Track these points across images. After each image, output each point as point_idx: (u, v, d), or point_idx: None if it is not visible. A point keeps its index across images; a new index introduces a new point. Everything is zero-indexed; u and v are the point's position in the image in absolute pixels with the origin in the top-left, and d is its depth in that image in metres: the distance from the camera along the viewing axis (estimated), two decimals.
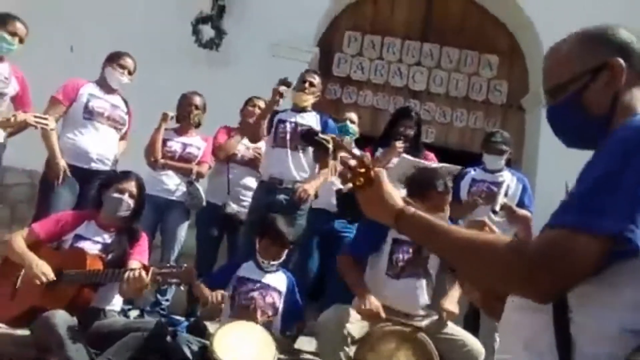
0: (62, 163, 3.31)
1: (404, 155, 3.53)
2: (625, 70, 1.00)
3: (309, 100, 3.59)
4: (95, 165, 3.42)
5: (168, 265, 2.48)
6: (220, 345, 2.42)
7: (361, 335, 2.57)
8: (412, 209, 1.08)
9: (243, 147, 3.85)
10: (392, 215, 1.09)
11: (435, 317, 2.72)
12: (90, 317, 2.64)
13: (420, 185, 2.71)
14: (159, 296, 3.54)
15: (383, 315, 2.54)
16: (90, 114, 3.45)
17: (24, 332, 2.59)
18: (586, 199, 0.88)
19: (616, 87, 1.01)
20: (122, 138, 3.71)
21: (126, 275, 2.42)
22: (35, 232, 2.72)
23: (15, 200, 4.82)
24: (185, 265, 2.48)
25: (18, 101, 3.36)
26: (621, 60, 1.01)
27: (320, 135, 1.49)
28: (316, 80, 3.66)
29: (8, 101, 3.31)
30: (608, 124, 1.00)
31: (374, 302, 2.55)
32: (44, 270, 2.53)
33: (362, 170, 1.15)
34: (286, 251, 2.97)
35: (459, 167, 3.53)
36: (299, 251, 3.51)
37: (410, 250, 2.76)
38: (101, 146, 3.45)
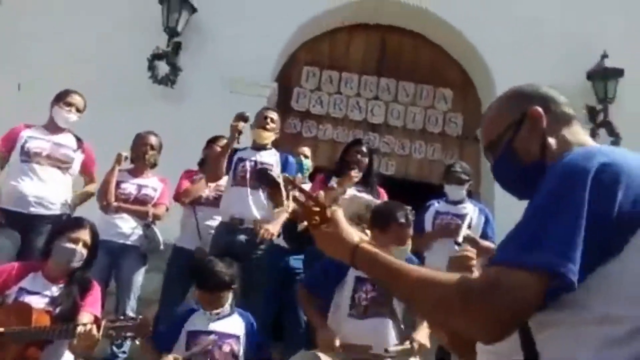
0: None
1: (356, 193, 3.50)
2: (544, 117, 1.09)
3: (270, 137, 3.54)
4: (34, 210, 3.23)
5: (122, 317, 2.31)
6: None
7: None
8: (367, 245, 1.10)
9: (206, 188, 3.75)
10: (349, 251, 1.10)
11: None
12: None
13: (381, 218, 2.71)
14: (114, 348, 3.32)
15: (337, 344, 2.48)
16: (27, 156, 3.30)
17: None
18: (523, 234, 0.91)
19: (539, 133, 1.09)
20: (90, 180, 3.56)
21: (76, 330, 2.24)
22: None
23: None
24: (140, 317, 2.32)
25: None
26: (539, 108, 1.09)
27: (271, 173, 1.45)
28: (275, 116, 3.62)
29: None
30: (544, 168, 1.03)
31: (330, 334, 2.50)
32: None
33: (317, 209, 1.15)
34: (230, 294, 2.77)
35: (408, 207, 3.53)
36: (260, 290, 3.39)
37: (374, 288, 2.70)
38: (41, 188, 3.28)
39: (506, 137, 1.12)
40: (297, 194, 1.24)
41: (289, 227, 3.38)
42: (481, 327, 0.90)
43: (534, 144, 1.09)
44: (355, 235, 1.12)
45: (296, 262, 3.69)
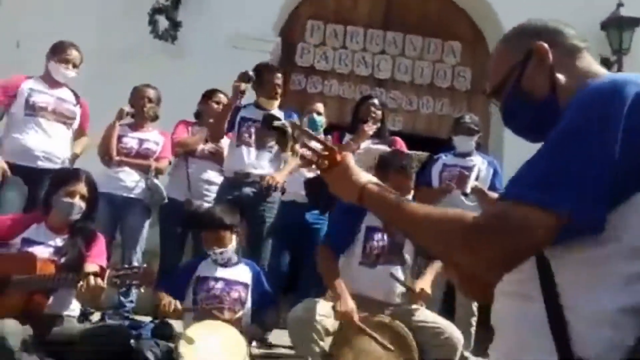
0: (2, 164, 3.08)
1: (371, 146, 3.44)
2: (550, 52, 1.04)
3: (277, 103, 3.48)
4: (42, 164, 3.19)
5: (126, 266, 2.30)
6: (187, 347, 2.26)
7: (335, 328, 2.47)
8: (375, 185, 1.09)
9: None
10: (357, 191, 1.10)
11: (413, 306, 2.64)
12: (46, 324, 2.45)
13: (381, 165, 2.71)
14: (122, 298, 3.34)
15: (356, 318, 2.41)
16: (32, 110, 3.23)
17: None
18: (536, 169, 0.87)
19: (547, 69, 1.03)
20: (81, 134, 3.49)
21: (80, 279, 2.23)
22: None
23: None
24: (144, 265, 2.31)
25: None
26: (544, 44, 1.04)
27: (278, 122, 1.37)
28: (281, 79, 3.51)
29: None
30: (557, 105, 1.00)
31: (349, 305, 2.43)
32: None
33: (326, 153, 1.15)
34: (234, 237, 2.78)
35: (426, 154, 3.48)
36: (271, 246, 3.38)
37: (385, 237, 2.68)
38: (47, 143, 3.23)
39: (512, 79, 1.06)
40: (305, 139, 1.22)
41: (310, 182, 3.32)
42: (484, 262, 0.87)
43: (543, 82, 1.03)
44: (364, 176, 1.11)
45: (312, 217, 3.62)
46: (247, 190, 3.32)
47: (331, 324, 2.48)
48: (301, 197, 3.54)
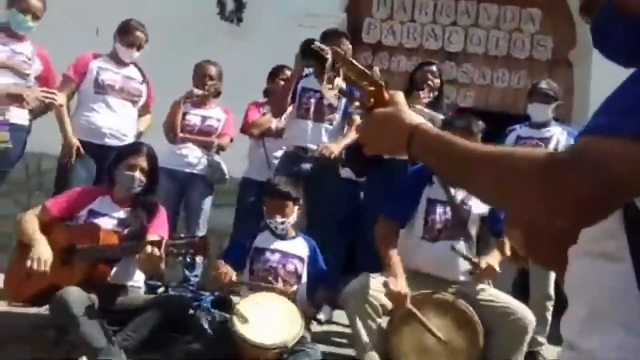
0: (74, 141, 3.22)
1: (423, 108, 3.20)
2: None
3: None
4: (109, 141, 3.30)
5: (182, 236, 2.32)
6: (242, 318, 2.24)
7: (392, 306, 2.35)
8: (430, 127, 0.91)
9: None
10: (407, 132, 0.91)
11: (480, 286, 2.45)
12: (111, 294, 2.55)
13: (444, 125, 2.50)
14: (187, 272, 3.41)
15: (409, 304, 2.28)
16: (101, 88, 3.33)
17: (41, 311, 2.52)
18: (623, 98, 0.71)
19: None
20: (145, 111, 3.59)
21: (139, 247, 2.28)
22: (48, 209, 2.63)
23: (52, 187, 4.81)
24: (199, 235, 2.32)
25: (43, 80, 3.27)
26: None
27: (317, 44, 1.23)
28: (347, 46, 3.35)
29: (33, 81, 3.23)
30: None
31: (402, 287, 2.28)
32: (43, 257, 2.41)
33: (373, 88, 0.99)
34: (295, 209, 2.74)
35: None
36: (328, 223, 3.30)
37: (448, 211, 2.51)
38: (115, 121, 3.33)
39: None
40: (348, 70, 1.05)
41: (352, 150, 3.21)
42: (563, 207, 0.70)
43: None
44: (417, 117, 0.93)
45: (369, 192, 3.50)
46: (306, 165, 3.26)
47: (387, 300, 2.36)
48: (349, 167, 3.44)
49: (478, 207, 2.51)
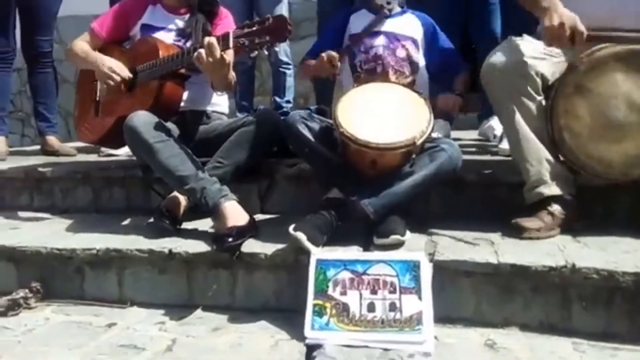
0: None
1: None
2: None
3: None
4: None
5: (248, 22, 1.70)
6: (349, 113, 1.67)
7: (557, 75, 1.64)
8: None
9: None
10: None
11: None
12: (192, 122, 2.13)
13: None
14: (276, 98, 2.91)
15: (583, 29, 1.52)
16: None
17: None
18: None
19: None
20: None
21: (202, 50, 1.73)
22: (96, 31, 2.17)
23: None
24: (272, 16, 1.70)
25: None
26: None
27: None
28: None
29: None
30: None
31: (569, 19, 1.52)
32: (114, 66, 2.03)
33: None
34: None
35: None
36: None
37: None
38: None
39: None
40: None
41: None
42: None
43: None
44: None
45: None
46: None
47: (549, 69, 1.66)
48: None
49: None
